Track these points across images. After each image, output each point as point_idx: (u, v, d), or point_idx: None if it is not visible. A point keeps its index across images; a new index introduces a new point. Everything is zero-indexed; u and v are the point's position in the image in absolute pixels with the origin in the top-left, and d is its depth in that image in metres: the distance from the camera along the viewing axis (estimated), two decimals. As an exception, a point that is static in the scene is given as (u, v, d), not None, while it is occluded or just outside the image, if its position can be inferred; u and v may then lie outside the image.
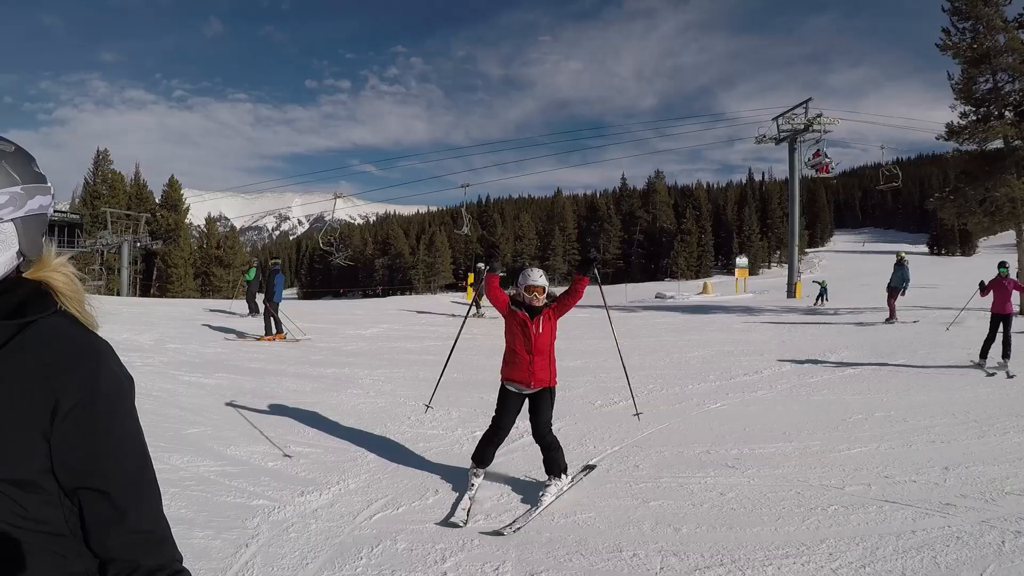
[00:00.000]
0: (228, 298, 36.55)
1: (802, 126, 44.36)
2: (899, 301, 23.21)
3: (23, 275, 1.63)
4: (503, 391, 7.00)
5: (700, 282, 60.97)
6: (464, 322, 8.85)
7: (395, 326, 24.66)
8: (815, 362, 14.24)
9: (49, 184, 1.68)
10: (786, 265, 52.49)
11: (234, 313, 25.63)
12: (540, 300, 6.90)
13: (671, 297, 42.31)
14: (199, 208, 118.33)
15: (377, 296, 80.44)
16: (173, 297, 71.30)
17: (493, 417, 7.03)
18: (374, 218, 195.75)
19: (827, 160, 43.32)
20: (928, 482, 6.73)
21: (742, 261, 50.91)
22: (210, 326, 21.41)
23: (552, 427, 6.88)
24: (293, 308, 25.05)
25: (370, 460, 7.89)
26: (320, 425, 9.51)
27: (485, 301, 23.31)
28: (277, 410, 10.56)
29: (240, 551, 5.56)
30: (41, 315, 1.56)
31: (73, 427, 1.48)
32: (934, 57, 28.99)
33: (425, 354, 16.34)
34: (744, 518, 5.90)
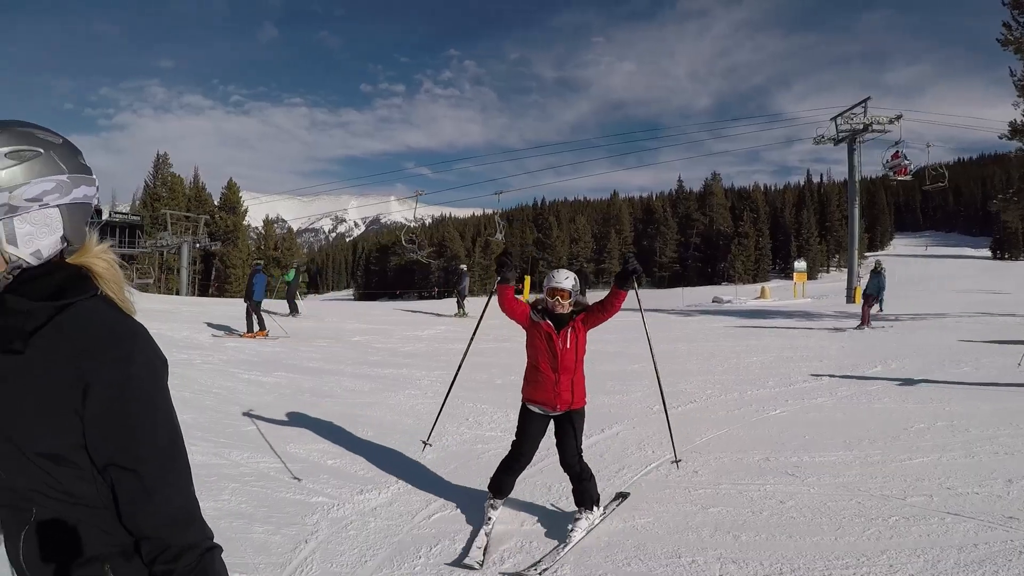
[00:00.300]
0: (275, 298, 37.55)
1: (860, 126, 43.53)
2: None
3: (66, 260, 1.71)
4: (524, 412, 6.24)
5: (758, 286, 60.47)
6: (471, 339, 7.58)
7: (452, 328, 24.79)
8: (875, 369, 14.00)
9: (94, 176, 1.76)
10: (845, 269, 51.73)
11: (275, 313, 26.08)
12: (564, 306, 6.05)
13: (728, 301, 41.99)
14: (257, 210, 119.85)
15: (433, 298, 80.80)
16: (231, 297, 72.24)
17: (513, 441, 6.23)
18: (429, 220, 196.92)
19: (906, 162, 42.54)
20: (991, 494, 6.57)
21: (800, 265, 50.26)
22: (267, 326, 21.65)
23: (583, 453, 6.13)
24: (348, 309, 25.15)
25: (429, 460, 7.93)
26: (379, 425, 9.59)
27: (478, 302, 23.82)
28: (336, 409, 10.66)
29: (299, 547, 5.66)
30: (80, 298, 1.65)
31: (105, 408, 1.57)
32: (995, 52, 28.30)
33: (478, 355, 16.44)
34: (804, 527, 5.85)
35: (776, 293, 46.52)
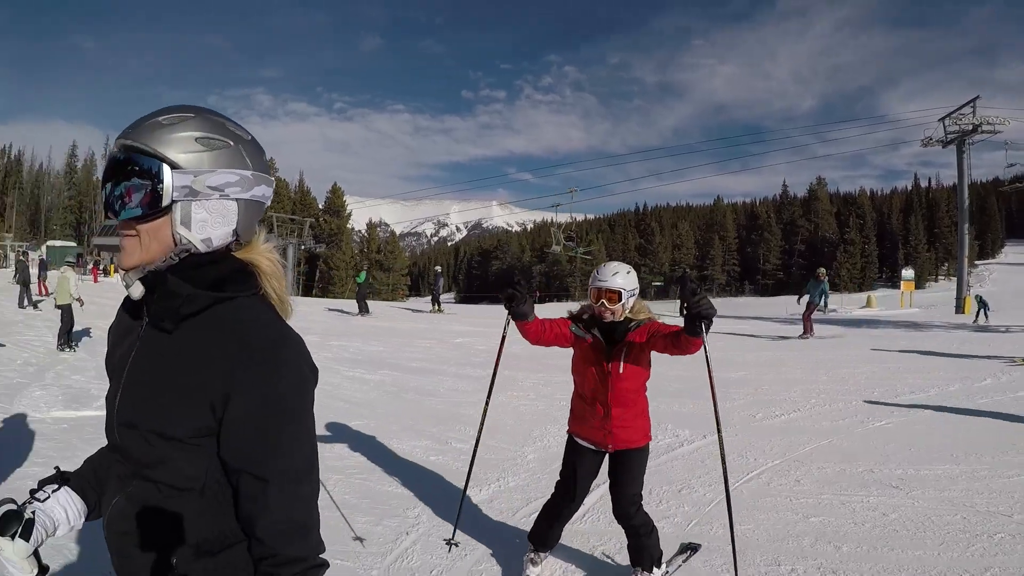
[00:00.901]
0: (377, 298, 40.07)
1: (970, 127, 41.36)
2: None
3: (233, 254, 1.78)
4: (572, 446, 5.07)
5: (863, 295, 59.19)
6: (496, 367, 5.95)
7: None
8: (985, 382, 13.51)
9: (272, 179, 1.82)
10: (954, 278, 50.26)
11: (347, 312, 26.59)
12: (615, 313, 4.71)
13: (833, 311, 41.25)
14: (360, 214, 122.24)
15: (535, 302, 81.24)
16: (334, 298, 73.52)
17: (558, 482, 5.12)
18: (531, 225, 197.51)
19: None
20: (1106, 514, 6.37)
21: (908, 273, 48.93)
22: (367, 326, 22.01)
23: (642, 501, 4.89)
24: (449, 310, 25.43)
25: (530, 460, 8.02)
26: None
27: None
28: (439, 407, 10.84)
29: (400, 538, 5.82)
30: (241, 293, 1.70)
31: (245, 418, 1.60)
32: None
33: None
34: (907, 540, 5.73)
35: (882, 302, 45.45)
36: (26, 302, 25.00)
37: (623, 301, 4.72)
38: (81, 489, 1.92)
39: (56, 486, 1.90)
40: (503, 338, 5.67)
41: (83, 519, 1.91)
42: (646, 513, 4.92)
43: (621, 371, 4.73)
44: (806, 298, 24.21)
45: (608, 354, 4.78)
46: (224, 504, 1.68)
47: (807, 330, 22.87)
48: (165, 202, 1.61)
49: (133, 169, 1.62)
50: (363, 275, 32.57)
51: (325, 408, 10.33)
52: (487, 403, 5.66)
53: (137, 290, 1.68)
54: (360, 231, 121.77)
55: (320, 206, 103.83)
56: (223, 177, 1.66)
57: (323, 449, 8.12)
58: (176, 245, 1.67)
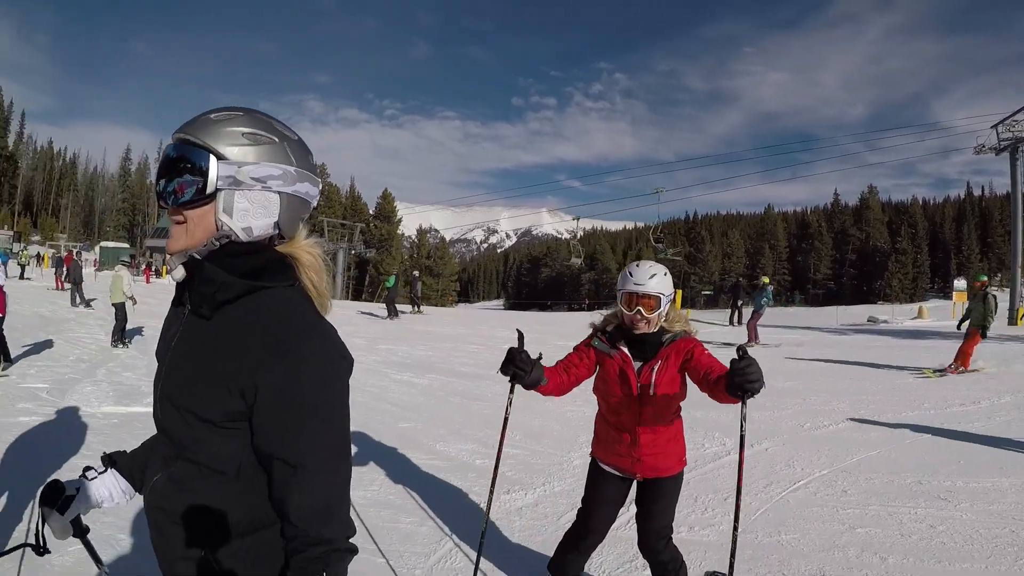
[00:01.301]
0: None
1: (1023, 133, 40.54)
2: None
3: (275, 247, 1.86)
4: (595, 471, 4.50)
5: (915, 306, 58.34)
6: (502, 440, 4.94)
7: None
8: (1037, 394, 13.31)
9: (319, 180, 1.92)
10: (1007, 289, 49.34)
11: (378, 316, 26.94)
12: (650, 323, 4.11)
13: (884, 321, 40.61)
14: (410, 220, 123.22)
15: (582, 310, 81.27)
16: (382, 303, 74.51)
17: (580, 509, 4.51)
18: (581, 233, 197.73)
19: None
20: None
21: (960, 284, 47.90)
22: (420, 331, 22.14)
23: (673, 534, 4.33)
24: (498, 316, 25.55)
25: (576, 466, 8.01)
26: (527, 429, 9.73)
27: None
28: (486, 412, 10.90)
29: (444, 539, 5.88)
30: (278, 284, 1.78)
31: (275, 404, 1.67)
32: None
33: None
34: (954, 553, 5.67)
35: (934, 313, 44.70)
36: (78, 300, 25.46)
37: (661, 308, 4.10)
38: (128, 471, 2.15)
39: (104, 468, 2.17)
40: (508, 405, 4.85)
41: (128, 497, 2.16)
42: (676, 547, 4.35)
43: (652, 392, 4.06)
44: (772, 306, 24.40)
45: (637, 373, 4.12)
46: (258, 487, 1.75)
47: (752, 338, 22.89)
48: (210, 190, 1.72)
49: (184, 159, 1.74)
50: (392, 279, 34.39)
51: (373, 410, 10.49)
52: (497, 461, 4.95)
53: (179, 272, 1.79)
54: (410, 237, 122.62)
55: (371, 212, 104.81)
56: (266, 170, 1.76)
57: (368, 450, 8.25)
58: (217, 231, 1.77)
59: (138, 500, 2.07)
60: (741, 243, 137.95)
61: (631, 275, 4.15)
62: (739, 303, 35.16)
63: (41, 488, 2.11)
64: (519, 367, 4.06)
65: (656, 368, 4.06)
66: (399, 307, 32.53)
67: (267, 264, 1.79)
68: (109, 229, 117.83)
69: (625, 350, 4.18)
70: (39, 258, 42.40)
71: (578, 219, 61.58)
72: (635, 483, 4.33)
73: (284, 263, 1.83)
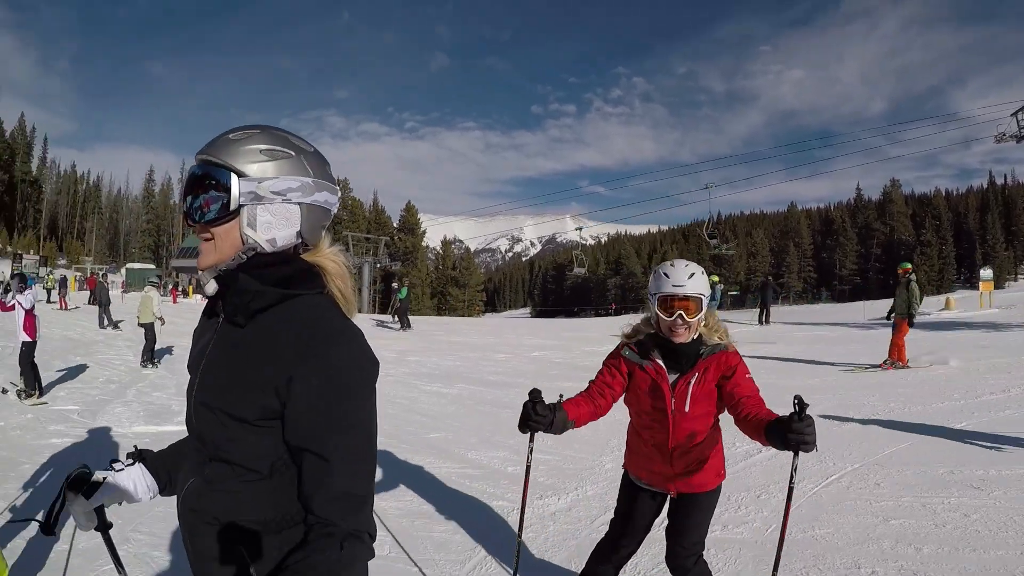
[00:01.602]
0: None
1: None
2: None
3: (300, 256, 1.95)
4: (627, 483, 4.29)
5: (942, 297, 57.75)
6: (525, 495, 4.82)
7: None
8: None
9: (337, 188, 2.01)
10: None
11: (389, 327, 27.26)
12: (689, 328, 3.77)
13: (926, 314, 40.41)
14: (435, 231, 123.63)
15: (609, 315, 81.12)
16: (412, 315, 74.46)
17: (612, 520, 4.31)
18: (605, 238, 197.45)
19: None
20: None
21: (987, 273, 47.47)
22: (448, 342, 22.22)
23: (704, 550, 4.08)
24: (525, 325, 25.65)
25: (608, 469, 8.04)
26: (558, 435, 9.76)
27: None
28: (515, 419, 10.91)
29: (478, 547, 5.89)
30: (308, 292, 1.87)
31: (306, 403, 1.74)
32: None
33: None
34: (989, 541, 5.66)
35: (961, 304, 44.28)
36: (106, 322, 25.68)
37: (701, 312, 3.75)
38: (155, 469, 2.25)
39: (132, 461, 2.27)
40: (529, 454, 4.65)
41: (152, 494, 2.24)
42: (706, 563, 4.08)
43: (687, 409, 3.77)
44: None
45: (672, 386, 3.81)
46: (289, 486, 1.81)
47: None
48: (233, 206, 1.81)
49: (207, 179, 1.82)
50: (404, 291, 33.80)
51: (404, 421, 10.58)
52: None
53: (211, 287, 1.87)
54: (435, 248, 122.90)
55: (395, 225, 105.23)
56: (285, 183, 1.83)
57: (401, 460, 8.33)
58: (244, 244, 1.85)
59: (171, 520, 2.13)
60: (766, 242, 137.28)
61: (667, 276, 3.77)
62: (767, 302, 34.82)
63: (69, 473, 2.19)
64: (536, 421, 3.87)
65: (693, 381, 3.75)
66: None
67: (296, 273, 1.88)
68: (135, 251, 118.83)
69: (660, 361, 3.85)
70: (64, 282, 42.89)
71: (580, 229, 61.23)
72: (668, 499, 4.07)
73: (312, 271, 1.91)
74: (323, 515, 1.73)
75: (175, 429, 9.74)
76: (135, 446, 2.37)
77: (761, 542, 5.84)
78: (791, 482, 3.48)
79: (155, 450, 2.33)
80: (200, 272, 1.91)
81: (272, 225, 1.84)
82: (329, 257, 1.97)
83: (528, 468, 4.57)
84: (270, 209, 1.83)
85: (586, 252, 57.55)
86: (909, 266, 16.76)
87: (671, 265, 3.83)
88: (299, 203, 1.87)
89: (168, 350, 18.61)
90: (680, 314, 3.67)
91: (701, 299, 3.72)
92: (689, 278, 3.71)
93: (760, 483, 7.37)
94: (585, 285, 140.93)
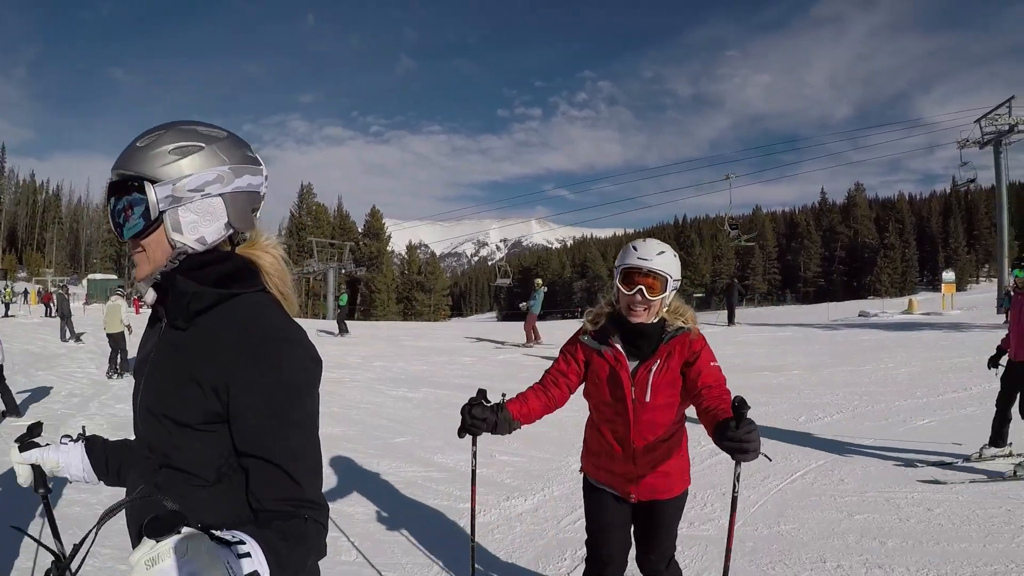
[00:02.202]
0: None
1: (1006, 127, 40.60)
2: None
3: (235, 251, 1.93)
4: (589, 490, 3.89)
5: (905, 299, 58.46)
6: (474, 496, 4.48)
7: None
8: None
9: (261, 167, 1.96)
10: (995, 279, 49.45)
11: (332, 333, 27.47)
12: (649, 308, 3.46)
13: (875, 315, 40.70)
14: (400, 236, 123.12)
15: (577, 318, 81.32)
16: (376, 320, 74.08)
17: (587, 541, 3.90)
18: (571, 242, 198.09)
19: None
20: None
21: (949, 276, 48.18)
22: (415, 346, 22.22)
23: (676, 551, 3.86)
24: (492, 328, 25.60)
25: (573, 469, 8.00)
26: (524, 436, 9.74)
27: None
28: (482, 422, 10.92)
29: (445, 549, 5.87)
30: (247, 291, 1.85)
31: (251, 404, 1.71)
32: None
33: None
34: (952, 533, 5.75)
35: (924, 305, 44.74)
36: (68, 335, 25.41)
37: (665, 293, 3.45)
38: (98, 457, 2.27)
39: (76, 439, 2.29)
40: (473, 458, 4.27)
41: (87, 479, 2.28)
42: (677, 564, 3.89)
43: (648, 398, 3.46)
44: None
45: (632, 373, 3.52)
46: (240, 490, 1.79)
47: (530, 339, 23.38)
48: (154, 214, 1.77)
49: (123, 193, 1.80)
50: (344, 298, 36.10)
51: (369, 426, 10.52)
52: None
53: (150, 295, 1.87)
54: (400, 253, 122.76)
55: (360, 230, 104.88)
56: (201, 178, 1.79)
57: (367, 466, 8.29)
58: (173, 250, 1.82)
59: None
60: (731, 245, 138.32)
61: (635, 248, 3.51)
62: (733, 304, 35.01)
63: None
64: (475, 425, 3.61)
65: (655, 368, 3.45)
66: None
67: (234, 272, 1.86)
68: (96, 261, 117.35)
69: (619, 346, 3.53)
70: (26, 294, 42.49)
71: (505, 240, 62.14)
72: (631, 507, 3.72)
73: (250, 268, 1.90)
74: (271, 506, 1.71)
75: (138, 440, 9.61)
76: (83, 427, 2.44)
77: (726, 539, 5.85)
78: (734, 491, 3.04)
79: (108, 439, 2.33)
80: (138, 282, 1.90)
81: (198, 224, 1.82)
82: (268, 251, 1.97)
83: (474, 472, 4.26)
84: (192, 208, 1.80)
85: (510, 262, 57.96)
86: None
87: (642, 240, 3.58)
88: (220, 194, 1.84)
89: (134, 360, 18.50)
90: (641, 289, 3.38)
91: (667, 280, 3.42)
92: (658, 254, 3.44)
93: (726, 480, 7.36)
94: (552, 288, 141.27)
